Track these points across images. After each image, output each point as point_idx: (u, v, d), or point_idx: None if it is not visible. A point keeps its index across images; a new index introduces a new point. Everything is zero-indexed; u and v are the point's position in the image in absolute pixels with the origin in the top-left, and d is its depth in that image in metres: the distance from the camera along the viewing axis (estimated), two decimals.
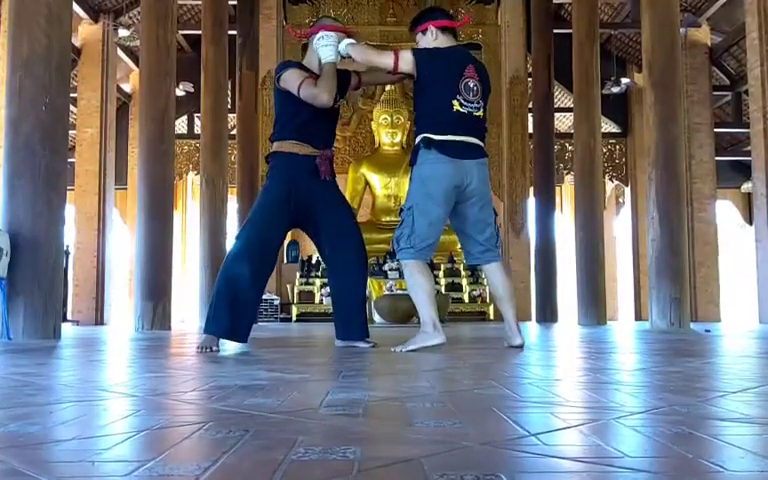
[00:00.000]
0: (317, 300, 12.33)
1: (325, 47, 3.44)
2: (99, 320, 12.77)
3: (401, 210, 3.35)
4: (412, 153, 3.34)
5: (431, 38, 3.42)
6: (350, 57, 3.48)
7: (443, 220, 3.33)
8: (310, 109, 3.37)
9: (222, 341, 3.33)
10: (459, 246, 3.90)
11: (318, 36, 3.47)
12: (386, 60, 3.37)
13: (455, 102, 3.28)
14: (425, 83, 3.32)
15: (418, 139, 3.30)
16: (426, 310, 3.23)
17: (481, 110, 3.36)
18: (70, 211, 10.75)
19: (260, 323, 10.39)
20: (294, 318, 12.28)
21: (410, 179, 3.36)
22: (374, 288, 11.40)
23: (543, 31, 12.36)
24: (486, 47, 14.15)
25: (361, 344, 3.50)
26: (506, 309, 3.43)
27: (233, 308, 3.28)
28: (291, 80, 3.37)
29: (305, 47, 3.74)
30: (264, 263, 3.40)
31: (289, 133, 3.44)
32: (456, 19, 3.70)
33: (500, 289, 3.44)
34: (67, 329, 7.78)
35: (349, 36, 3.55)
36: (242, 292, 3.30)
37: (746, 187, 16.41)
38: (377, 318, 10.17)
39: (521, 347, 3.32)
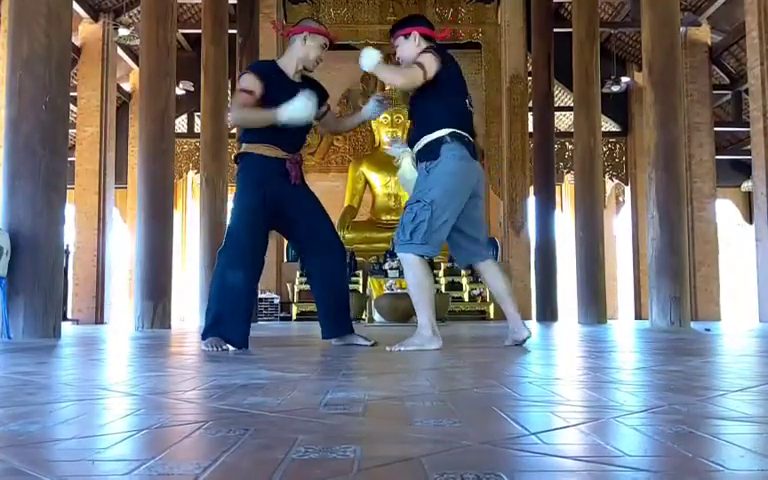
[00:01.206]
0: None
1: (302, 105, 3.21)
2: (99, 319, 12.77)
3: (417, 200, 3.23)
4: (432, 147, 3.25)
5: (414, 44, 3.38)
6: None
7: (456, 218, 3.32)
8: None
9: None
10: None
11: (300, 99, 3.22)
12: (417, 77, 3.23)
13: (466, 102, 3.35)
14: (445, 82, 3.28)
15: (442, 133, 3.24)
16: (426, 313, 3.22)
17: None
18: (70, 210, 10.75)
19: (260, 322, 10.40)
20: (294, 317, 12.28)
21: (428, 172, 3.25)
22: (374, 287, 11.38)
23: (543, 30, 12.36)
24: (486, 46, 14.16)
25: (363, 342, 3.51)
26: (509, 304, 3.43)
27: (232, 316, 3.31)
28: (239, 84, 3.37)
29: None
30: (255, 268, 3.44)
31: (259, 135, 3.39)
32: (437, 31, 3.62)
33: (501, 284, 3.45)
34: (67, 328, 7.77)
35: (331, 41, 3.54)
36: (239, 300, 3.34)
37: (746, 186, 16.41)
38: (377, 317, 10.16)
39: (527, 339, 3.38)
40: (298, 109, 3.20)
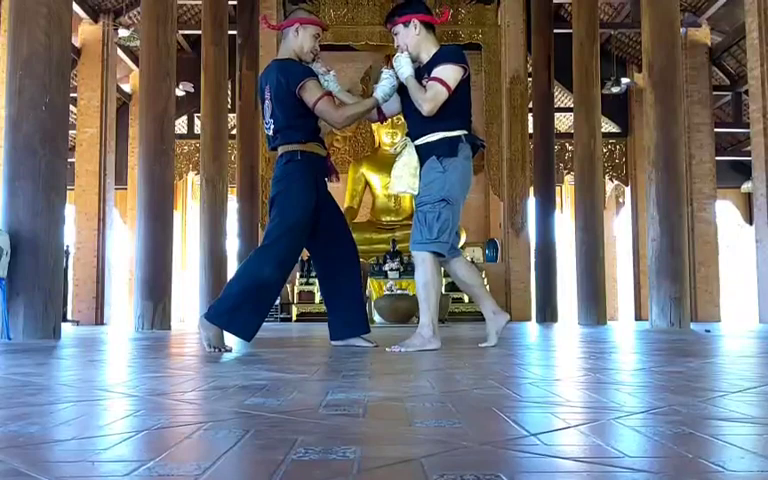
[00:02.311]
0: (317, 300, 12.33)
1: (389, 82, 3.34)
2: (99, 320, 12.77)
3: (442, 199, 3.18)
4: (450, 144, 3.21)
5: (414, 32, 3.31)
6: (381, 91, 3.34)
7: None
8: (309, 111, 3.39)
9: (226, 335, 3.29)
10: None
11: (386, 72, 3.37)
12: (442, 99, 3.19)
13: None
14: (464, 83, 3.27)
15: (459, 133, 3.23)
16: (430, 313, 3.22)
17: None
18: (70, 211, 10.75)
19: None
20: (294, 318, 12.28)
21: (444, 169, 3.20)
22: (374, 288, 11.39)
23: (543, 31, 12.37)
24: (486, 47, 14.16)
25: (363, 343, 3.50)
26: (483, 294, 3.48)
27: (256, 311, 3.29)
28: (313, 91, 3.29)
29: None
30: (290, 271, 3.46)
31: (312, 134, 3.39)
32: (436, 16, 3.56)
33: (473, 276, 3.46)
34: (67, 329, 7.77)
35: (324, 30, 3.55)
36: (269, 299, 3.36)
37: (746, 187, 16.41)
38: (377, 318, 10.17)
39: (509, 321, 3.49)
40: (386, 86, 3.32)
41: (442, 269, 3.42)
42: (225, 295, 3.29)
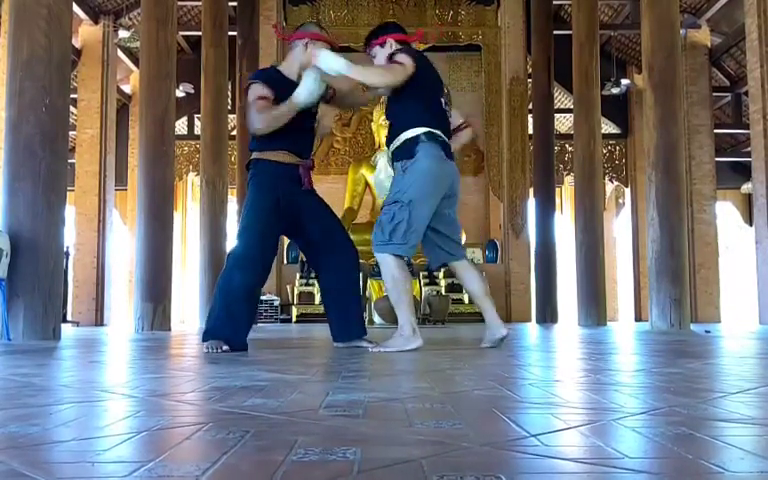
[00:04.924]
0: (317, 301, 12.32)
1: (312, 81, 3.28)
2: (99, 321, 12.77)
3: (395, 201, 3.22)
4: (408, 146, 3.24)
5: (389, 51, 3.39)
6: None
7: (431, 218, 3.32)
8: (290, 120, 3.36)
9: None
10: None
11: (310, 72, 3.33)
12: (399, 74, 3.20)
13: (441, 100, 3.35)
14: (420, 80, 3.28)
15: (418, 132, 3.23)
16: (406, 313, 3.24)
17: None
18: (70, 212, 10.75)
19: (260, 324, 10.40)
20: (294, 319, 12.28)
21: (404, 171, 3.23)
22: (374, 289, 11.38)
23: (543, 32, 12.38)
24: (486, 48, 14.17)
25: (363, 344, 3.51)
26: (486, 302, 3.44)
27: (232, 318, 3.31)
28: (250, 96, 3.39)
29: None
30: (263, 271, 3.44)
31: (271, 142, 3.41)
32: (409, 34, 3.63)
33: (476, 282, 3.46)
34: (67, 330, 7.77)
35: (333, 46, 3.52)
36: (241, 302, 3.34)
37: (746, 188, 16.42)
38: (377, 319, 10.16)
39: (505, 338, 3.41)
40: (309, 84, 3.27)
41: (442, 271, 3.44)
42: (210, 310, 3.41)
